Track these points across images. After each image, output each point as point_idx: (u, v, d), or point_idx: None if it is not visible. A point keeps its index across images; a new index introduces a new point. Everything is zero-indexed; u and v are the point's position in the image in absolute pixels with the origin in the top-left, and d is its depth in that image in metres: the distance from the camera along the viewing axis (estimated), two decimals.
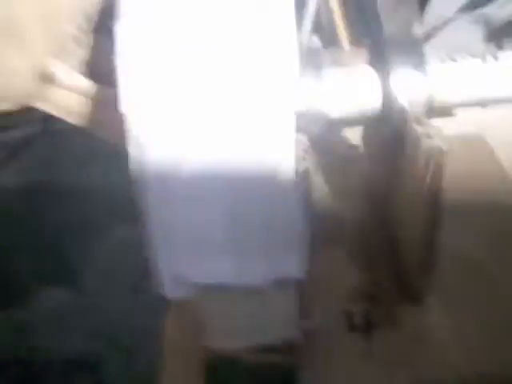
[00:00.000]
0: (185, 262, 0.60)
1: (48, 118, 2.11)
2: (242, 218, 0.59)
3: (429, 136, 0.64)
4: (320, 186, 1.02)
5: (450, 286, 0.83)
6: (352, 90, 0.71)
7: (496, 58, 0.70)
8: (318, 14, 1.02)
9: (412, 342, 0.77)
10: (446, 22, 1.09)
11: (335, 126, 0.76)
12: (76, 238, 1.71)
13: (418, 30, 0.70)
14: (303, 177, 0.66)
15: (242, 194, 0.59)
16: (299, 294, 0.78)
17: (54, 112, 0.62)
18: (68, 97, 0.61)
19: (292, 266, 0.64)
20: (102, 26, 0.66)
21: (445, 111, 0.82)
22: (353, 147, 1.09)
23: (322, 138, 0.80)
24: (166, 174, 0.57)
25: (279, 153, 0.59)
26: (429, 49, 0.69)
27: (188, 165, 0.56)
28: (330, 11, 1.03)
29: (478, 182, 1.02)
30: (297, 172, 0.62)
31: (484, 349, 0.75)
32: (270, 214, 0.61)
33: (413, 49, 0.69)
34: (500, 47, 0.68)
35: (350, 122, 0.73)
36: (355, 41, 1.00)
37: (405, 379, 0.74)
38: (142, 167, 0.57)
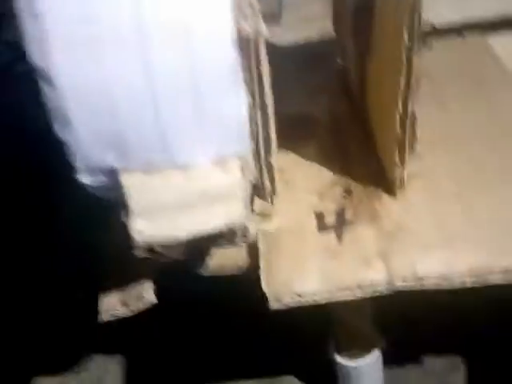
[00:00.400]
0: (103, 147, 0.50)
1: (11, 61, 2.01)
2: (166, 86, 0.49)
3: None
4: (290, 85, 0.93)
5: (431, 173, 0.74)
6: None
7: None
8: None
9: (389, 238, 0.69)
10: None
11: None
12: (47, 179, 1.62)
13: None
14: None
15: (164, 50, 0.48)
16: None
17: None
18: None
19: (233, 141, 0.54)
20: None
21: None
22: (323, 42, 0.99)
23: None
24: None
25: None
26: None
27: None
28: None
29: (473, 75, 0.92)
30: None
31: (469, 243, 0.67)
32: (202, 84, 0.51)
33: None
34: None
35: None
36: None
37: (380, 277, 0.65)
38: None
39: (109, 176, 0.52)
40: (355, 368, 0.99)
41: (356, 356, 0.97)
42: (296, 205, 0.76)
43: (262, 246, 0.71)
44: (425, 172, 0.75)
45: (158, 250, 0.53)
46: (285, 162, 0.80)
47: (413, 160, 0.72)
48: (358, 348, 0.97)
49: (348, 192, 0.77)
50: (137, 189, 0.51)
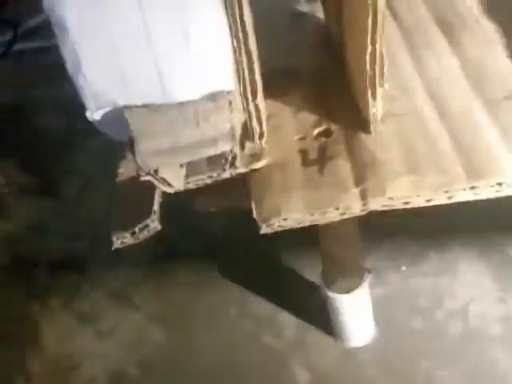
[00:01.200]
0: (109, 84, 0.58)
1: (11, 41, 2.08)
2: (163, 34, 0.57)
3: None
4: (275, 41, 1.00)
5: (402, 113, 0.82)
6: None
7: None
8: None
9: (363, 169, 0.77)
10: None
11: None
12: (53, 150, 1.71)
13: None
14: None
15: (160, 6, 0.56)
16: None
17: None
18: None
19: (222, 78, 0.62)
20: None
21: None
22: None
23: None
24: None
25: None
26: None
27: None
28: None
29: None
30: None
31: (432, 170, 0.75)
32: (193, 27, 0.59)
33: None
34: None
35: None
36: None
37: (355, 200, 0.74)
38: None
39: (115, 113, 0.60)
40: (344, 300, 1.08)
41: (345, 289, 1.07)
42: (283, 145, 0.84)
43: (252, 182, 0.80)
44: (397, 112, 0.84)
45: (161, 175, 0.61)
46: (273, 109, 0.89)
47: (387, 102, 0.81)
48: (347, 281, 1.06)
49: (329, 132, 0.85)
50: (138, 122, 0.60)
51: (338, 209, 0.72)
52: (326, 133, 0.85)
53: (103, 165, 1.63)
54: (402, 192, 0.72)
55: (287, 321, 1.25)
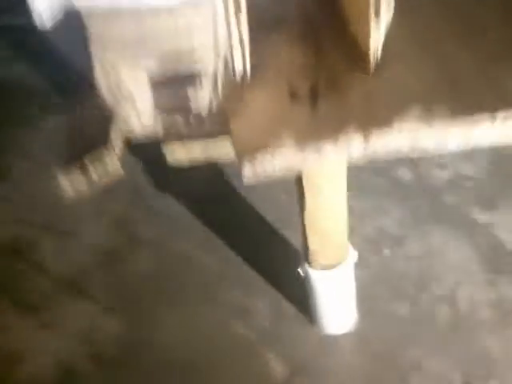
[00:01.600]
0: None
1: None
2: None
3: None
4: None
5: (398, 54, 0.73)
6: None
7: None
8: None
9: (360, 104, 0.67)
10: None
11: None
12: (6, 131, 1.57)
13: None
14: None
15: None
16: None
17: None
18: None
19: None
20: None
21: None
22: None
23: None
24: None
25: None
26: None
27: None
28: None
29: None
30: None
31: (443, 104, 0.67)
32: None
33: None
34: None
35: None
36: None
37: (356, 134, 0.64)
38: None
39: (71, 19, 0.49)
40: (326, 278, 0.98)
41: (328, 265, 0.96)
42: (271, 84, 0.73)
43: (234, 122, 0.69)
44: (397, 56, 0.75)
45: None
46: (261, 52, 0.78)
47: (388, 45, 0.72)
48: (330, 256, 0.96)
49: (322, 70, 0.75)
50: (100, 25, 0.48)
51: (335, 144, 0.62)
52: (319, 71, 0.74)
53: (55, 148, 1.53)
54: (412, 122, 0.62)
55: (261, 308, 1.15)
